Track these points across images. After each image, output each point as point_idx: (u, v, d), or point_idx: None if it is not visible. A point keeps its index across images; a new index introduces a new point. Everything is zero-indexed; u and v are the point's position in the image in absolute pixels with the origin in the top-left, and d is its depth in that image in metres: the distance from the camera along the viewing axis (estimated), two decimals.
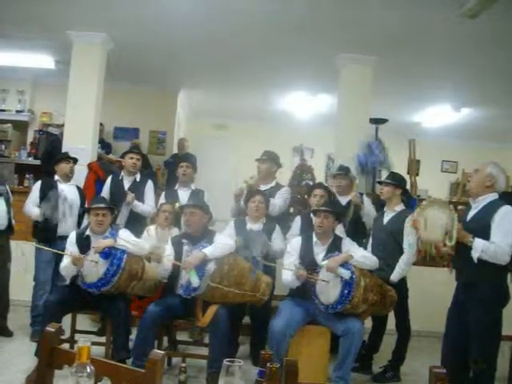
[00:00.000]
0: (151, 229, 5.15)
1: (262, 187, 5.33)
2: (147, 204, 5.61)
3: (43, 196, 5.17)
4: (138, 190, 5.60)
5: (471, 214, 3.82)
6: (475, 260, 3.60)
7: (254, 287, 4.32)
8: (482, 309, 3.66)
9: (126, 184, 5.64)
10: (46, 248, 4.65)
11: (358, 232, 5.08)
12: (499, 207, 3.63)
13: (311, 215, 5.04)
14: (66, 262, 4.28)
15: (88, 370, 1.49)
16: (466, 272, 3.79)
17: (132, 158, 5.67)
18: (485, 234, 3.62)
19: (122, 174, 5.74)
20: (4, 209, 5.07)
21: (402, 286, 4.66)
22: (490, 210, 3.66)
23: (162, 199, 5.58)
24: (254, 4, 5.45)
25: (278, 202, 5.29)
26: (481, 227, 3.65)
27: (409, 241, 4.44)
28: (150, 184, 5.74)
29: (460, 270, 3.89)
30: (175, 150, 9.24)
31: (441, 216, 3.77)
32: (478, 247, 3.58)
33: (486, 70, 6.82)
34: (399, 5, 5.27)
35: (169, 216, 5.13)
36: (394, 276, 4.57)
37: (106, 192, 5.62)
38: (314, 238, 4.49)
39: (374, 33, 6.02)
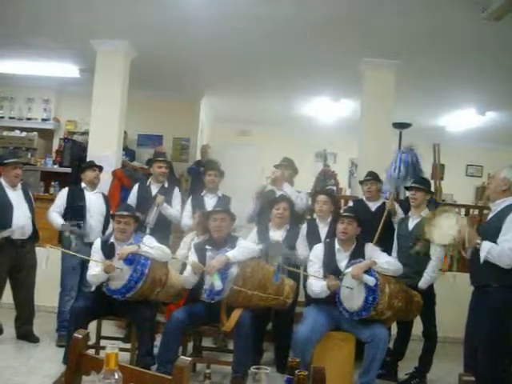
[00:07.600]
0: (189, 237, 5.08)
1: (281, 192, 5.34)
2: (175, 209, 5.66)
3: (70, 202, 5.27)
4: (166, 195, 5.62)
5: (489, 217, 3.89)
6: (481, 260, 3.63)
7: (277, 290, 4.31)
8: (489, 317, 3.61)
9: (154, 190, 5.68)
10: (72, 253, 4.70)
11: (386, 237, 5.00)
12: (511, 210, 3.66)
13: (316, 222, 5.11)
14: (96, 270, 4.29)
15: (116, 377, 1.49)
16: (477, 275, 3.80)
17: (161, 167, 5.72)
18: (496, 236, 3.64)
19: (150, 180, 5.80)
20: (29, 216, 5.12)
21: (429, 291, 4.61)
22: (503, 213, 3.68)
23: (189, 206, 5.58)
24: (276, 10, 5.45)
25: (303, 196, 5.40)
26: (493, 230, 3.68)
27: (435, 246, 4.45)
28: (177, 191, 5.80)
29: (472, 274, 3.91)
30: (198, 157, 9.27)
31: (450, 223, 4.05)
32: (485, 248, 3.62)
33: (511, 72, 6.72)
34: (422, 8, 5.23)
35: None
36: (423, 283, 4.52)
37: (132, 199, 5.65)
38: (337, 245, 4.46)
39: (396, 37, 5.98)
